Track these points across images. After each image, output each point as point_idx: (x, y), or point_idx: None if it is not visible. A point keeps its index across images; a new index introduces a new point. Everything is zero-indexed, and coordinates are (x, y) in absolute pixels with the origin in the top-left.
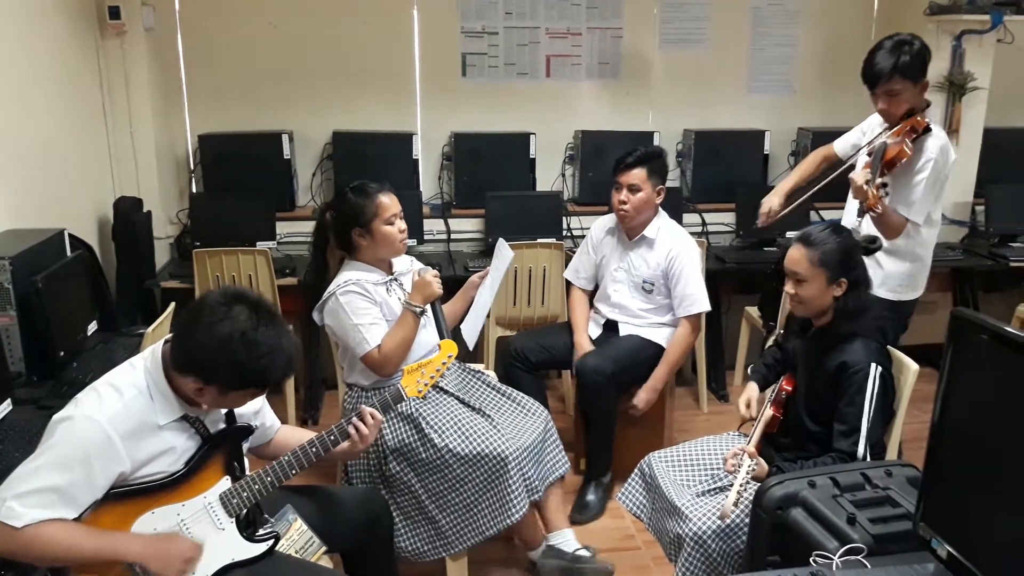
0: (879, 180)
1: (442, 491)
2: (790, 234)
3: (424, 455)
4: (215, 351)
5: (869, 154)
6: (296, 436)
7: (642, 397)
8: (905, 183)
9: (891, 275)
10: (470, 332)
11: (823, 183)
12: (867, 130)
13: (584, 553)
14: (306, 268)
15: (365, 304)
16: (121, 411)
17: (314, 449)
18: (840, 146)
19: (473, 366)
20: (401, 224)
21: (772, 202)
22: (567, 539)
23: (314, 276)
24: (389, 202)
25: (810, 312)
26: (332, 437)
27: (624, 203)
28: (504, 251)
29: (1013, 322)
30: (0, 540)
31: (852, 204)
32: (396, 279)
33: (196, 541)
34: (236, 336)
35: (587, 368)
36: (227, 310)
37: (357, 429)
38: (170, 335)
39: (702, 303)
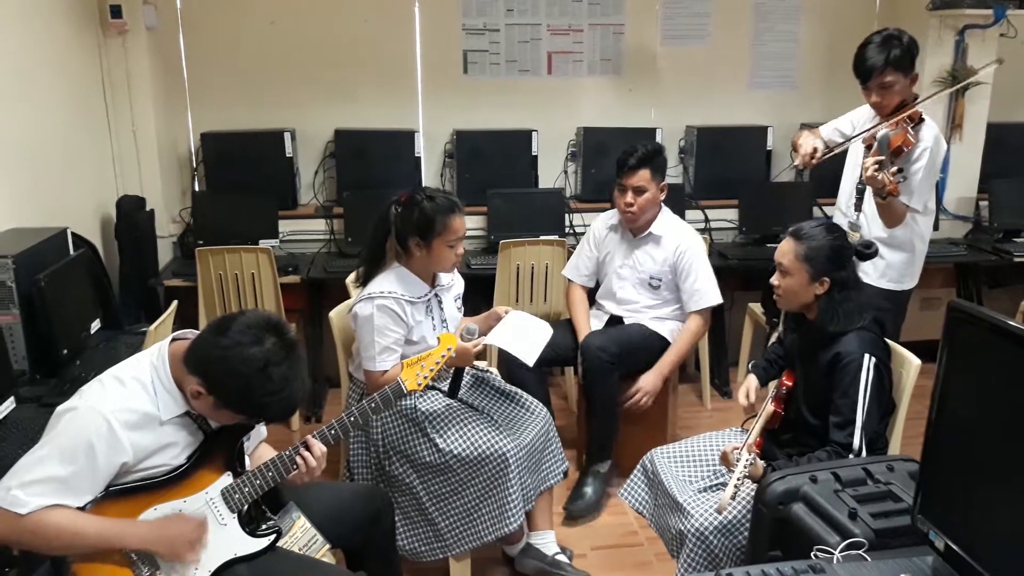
0: (892, 168)
1: (444, 494)
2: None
3: (428, 458)
4: (231, 370)
5: (868, 145)
6: (267, 455)
7: (649, 379)
8: (905, 172)
9: (892, 265)
10: (528, 351)
11: (855, 137)
12: (856, 122)
13: (562, 558)
14: (363, 248)
15: (393, 327)
16: (124, 403)
17: (271, 474)
18: (826, 131)
19: (477, 363)
20: (460, 248)
21: (816, 143)
22: (548, 541)
23: (367, 264)
24: (459, 226)
25: (791, 306)
26: (291, 461)
27: (631, 205)
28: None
29: (1017, 317)
30: (5, 527)
31: (845, 198)
32: (437, 295)
33: (199, 517)
34: (257, 365)
35: (592, 347)
36: (260, 336)
37: (304, 459)
38: (177, 333)
39: (713, 296)
